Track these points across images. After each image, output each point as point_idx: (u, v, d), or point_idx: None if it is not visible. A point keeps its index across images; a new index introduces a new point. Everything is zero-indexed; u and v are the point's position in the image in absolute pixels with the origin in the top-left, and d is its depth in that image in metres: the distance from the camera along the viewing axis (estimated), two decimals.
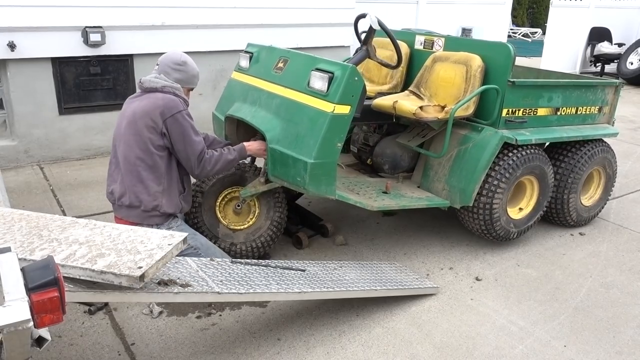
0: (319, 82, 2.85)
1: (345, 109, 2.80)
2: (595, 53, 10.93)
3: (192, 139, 2.83)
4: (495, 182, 3.31)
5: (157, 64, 2.96)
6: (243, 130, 3.54)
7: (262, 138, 3.12)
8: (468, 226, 3.55)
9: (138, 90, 2.95)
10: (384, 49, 3.79)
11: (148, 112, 2.77)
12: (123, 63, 5.27)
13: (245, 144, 3.10)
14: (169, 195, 2.85)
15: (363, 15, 3.37)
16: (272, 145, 2.96)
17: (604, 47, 10.77)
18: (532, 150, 3.45)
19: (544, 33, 16.12)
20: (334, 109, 2.77)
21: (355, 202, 3.09)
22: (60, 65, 4.96)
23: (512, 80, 3.29)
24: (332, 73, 2.81)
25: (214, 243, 3.10)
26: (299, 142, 2.85)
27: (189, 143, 2.82)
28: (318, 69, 2.89)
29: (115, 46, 5.09)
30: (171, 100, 2.81)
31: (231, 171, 3.23)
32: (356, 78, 2.80)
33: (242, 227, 3.31)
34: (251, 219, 3.32)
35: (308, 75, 2.94)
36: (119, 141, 2.87)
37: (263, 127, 3.05)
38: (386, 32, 3.35)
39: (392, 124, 3.72)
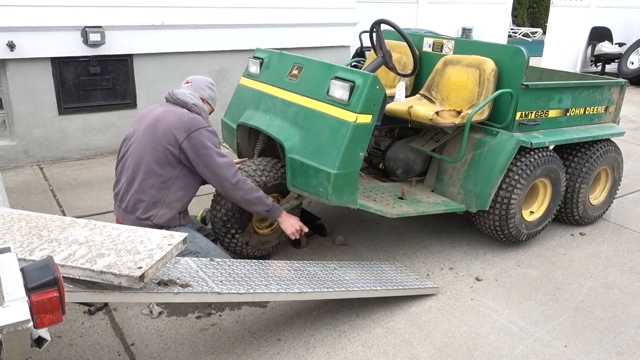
0: (339, 91, 2.82)
1: (367, 118, 2.78)
2: (595, 53, 10.93)
3: (214, 152, 2.80)
4: (516, 177, 3.32)
5: (189, 82, 3.07)
6: (254, 138, 3.52)
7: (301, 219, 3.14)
8: (479, 223, 3.54)
9: (163, 101, 2.99)
10: (392, 52, 3.78)
11: (173, 123, 2.78)
12: (123, 63, 5.27)
13: (284, 212, 3.04)
14: (168, 209, 2.83)
15: (381, 22, 3.35)
16: (291, 155, 2.93)
17: (604, 47, 10.76)
18: (547, 153, 3.47)
19: (544, 33, 16.11)
20: (356, 119, 2.74)
21: (375, 210, 3.07)
22: (60, 65, 4.96)
23: (525, 83, 3.29)
24: (353, 82, 2.78)
25: (238, 237, 3.11)
26: (320, 152, 2.82)
27: (211, 157, 2.79)
28: (338, 78, 2.85)
29: (114, 46, 5.09)
30: (196, 118, 2.84)
31: (278, 181, 3.18)
32: (377, 87, 2.78)
33: (265, 231, 3.31)
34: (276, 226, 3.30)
35: (327, 84, 2.90)
36: (132, 143, 2.87)
37: (280, 136, 3.02)
38: (405, 39, 3.36)
39: (402, 127, 3.71)
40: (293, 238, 3.12)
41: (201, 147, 2.77)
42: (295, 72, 3.17)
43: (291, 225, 3.04)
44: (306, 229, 3.13)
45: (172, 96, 2.94)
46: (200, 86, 3.05)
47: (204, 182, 3.01)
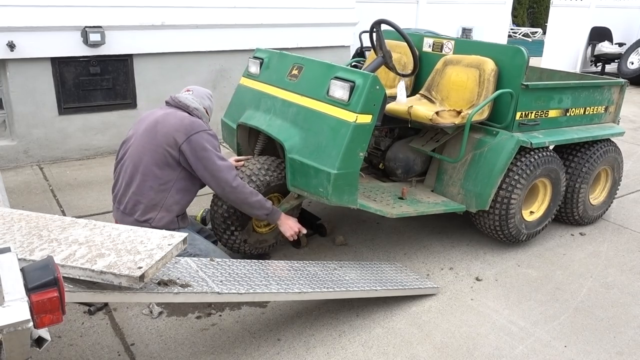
0: (339, 91, 2.82)
1: (367, 118, 2.78)
2: (595, 53, 10.93)
3: (214, 155, 2.81)
4: (516, 177, 3.32)
5: (189, 90, 3.10)
6: (254, 138, 3.52)
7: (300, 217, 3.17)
8: (479, 223, 3.54)
9: (163, 103, 3.02)
10: (392, 52, 3.78)
11: (173, 126, 2.79)
12: (123, 63, 5.27)
13: (283, 214, 3.04)
14: (166, 212, 2.83)
15: (381, 22, 3.35)
16: (291, 155, 2.92)
17: (604, 47, 10.76)
18: (547, 153, 3.47)
19: (544, 33, 16.11)
20: (356, 119, 2.74)
21: (375, 210, 3.07)
22: (60, 65, 4.96)
23: (525, 83, 3.29)
24: (353, 82, 2.78)
25: (235, 235, 3.12)
26: (320, 153, 2.82)
27: (211, 159, 2.78)
28: (338, 78, 2.85)
29: (114, 46, 5.09)
30: (197, 121, 2.86)
31: (282, 181, 3.16)
32: (377, 87, 2.78)
33: (263, 230, 3.32)
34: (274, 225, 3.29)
35: (327, 84, 2.90)
36: (130, 146, 2.87)
37: (280, 136, 3.02)
38: (405, 39, 3.36)
39: (402, 127, 3.71)
40: (291, 240, 3.12)
41: (201, 150, 2.77)
42: (295, 72, 3.17)
43: (290, 227, 3.05)
44: (304, 231, 3.14)
45: (174, 99, 2.96)
46: (201, 95, 3.09)
47: (203, 186, 3.01)
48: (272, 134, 3.09)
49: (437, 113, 3.19)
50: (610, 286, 3.26)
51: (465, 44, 3.77)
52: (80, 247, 1.97)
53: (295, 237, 3.10)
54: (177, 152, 2.77)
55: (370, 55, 4.13)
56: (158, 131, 2.79)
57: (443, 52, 3.86)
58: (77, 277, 1.86)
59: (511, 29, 17.75)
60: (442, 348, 2.63)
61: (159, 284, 2.10)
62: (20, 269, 1.54)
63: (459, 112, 3.29)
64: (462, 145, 3.28)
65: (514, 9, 19.89)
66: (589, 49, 11.09)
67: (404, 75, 3.66)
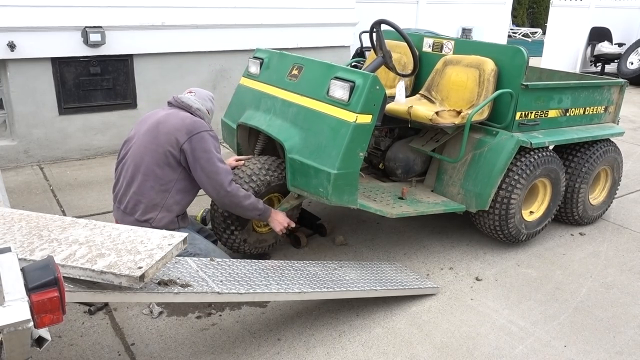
0: (339, 91, 2.82)
1: (367, 118, 2.78)
2: (595, 53, 10.93)
3: (215, 156, 2.80)
4: (516, 177, 3.32)
5: (192, 92, 3.11)
6: (254, 138, 3.52)
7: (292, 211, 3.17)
8: (479, 223, 3.54)
9: (164, 103, 3.04)
10: (392, 52, 3.79)
11: (175, 126, 2.79)
12: (123, 63, 5.27)
13: (272, 211, 3.03)
14: (167, 212, 2.83)
15: (381, 22, 3.36)
16: (291, 155, 2.92)
17: (604, 47, 10.77)
18: (546, 153, 3.47)
19: (544, 33, 16.11)
20: (356, 119, 2.74)
21: (375, 210, 3.08)
22: (60, 65, 4.96)
23: (525, 83, 3.29)
24: (353, 82, 2.78)
25: (235, 234, 3.13)
26: (320, 153, 2.82)
27: (210, 160, 2.78)
28: (338, 78, 2.85)
29: (115, 46, 5.09)
30: (199, 121, 2.87)
31: (282, 181, 3.16)
32: (377, 87, 2.78)
33: (263, 229, 3.32)
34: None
35: (327, 84, 2.90)
36: (132, 145, 2.87)
37: (280, 136, 3.02)
38: (405, 39, 3.36)
39: (402, 127, 3.72)
40: (281, 234, 3.13)
41: (201, 151, 2.77)
42: (295, 72, 3.17)
43: (279, 223, 3.05)
44: (293, 224, 3.14)
45: (177, 100, 2.97)
46: (203, 97, 3.10)
47: None
48: (272, 134, 3.10)
49: (437, 113, 3.20)
50: (609, 286, 3.26)
51: (465, 44, 3.77)
52: (81, 247, 1.98)
53: (284, 231, 3.10)
54: (179, 152, 2.78)
55: (370, 55, 4.14)
56: (160, 131, 2.79)
57: (443, 52, 3.86)
58: (78, 277, 1.86)
59: (511, 29, 17.75)
60: (442, 348, 2.63)
61: (159, 283, 2.10)
62: (21, 269, 1.54)
63: (458, 112, 3.29)
64: (462, 145, 3.28)
65: (514, 9, 19.90)
66: (589, 49, 11.09)
67: (404, 75, 3.67)
